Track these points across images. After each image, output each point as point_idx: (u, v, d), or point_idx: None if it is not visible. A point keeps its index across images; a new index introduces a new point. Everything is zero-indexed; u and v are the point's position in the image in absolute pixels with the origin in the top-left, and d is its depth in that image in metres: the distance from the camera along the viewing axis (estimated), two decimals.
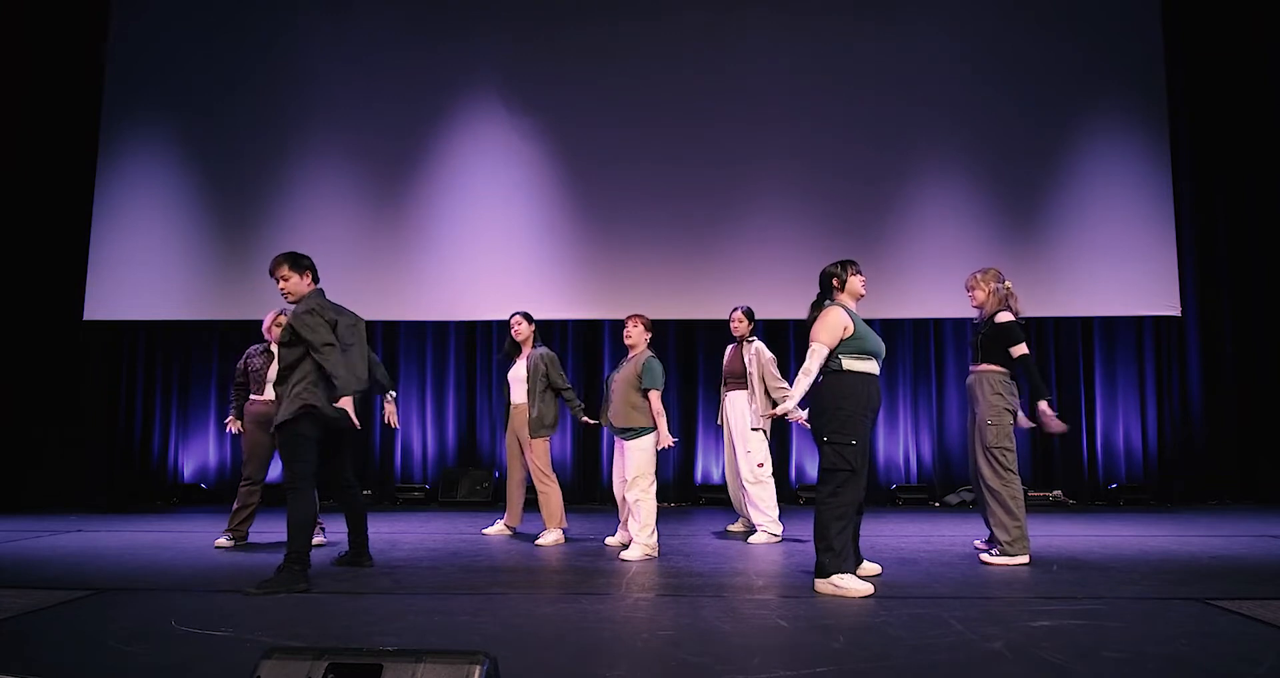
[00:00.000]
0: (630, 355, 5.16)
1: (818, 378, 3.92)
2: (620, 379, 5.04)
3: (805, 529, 6.13)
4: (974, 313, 4.90)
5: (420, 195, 8.40)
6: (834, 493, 3.78)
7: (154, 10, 8.70)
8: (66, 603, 3.52)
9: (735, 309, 5.83)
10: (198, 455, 8.78)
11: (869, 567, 4.16)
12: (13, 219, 8.41)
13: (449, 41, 8.51)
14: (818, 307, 4.07)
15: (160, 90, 8.60)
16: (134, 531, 6.17)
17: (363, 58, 8.52)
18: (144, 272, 8.36)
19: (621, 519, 5.29)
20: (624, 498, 5.09)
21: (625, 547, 5.03)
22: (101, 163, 8.55)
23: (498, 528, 5.93)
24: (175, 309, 8.40)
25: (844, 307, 4.00)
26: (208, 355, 8.83)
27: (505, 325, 8.49)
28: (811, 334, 3.94)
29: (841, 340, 3.89)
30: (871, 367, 3.92)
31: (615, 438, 5.13)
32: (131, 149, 8.57)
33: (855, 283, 4.06)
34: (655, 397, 4.96)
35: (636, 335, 5.15)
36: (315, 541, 5.27)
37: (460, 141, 8.47)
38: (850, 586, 3.68)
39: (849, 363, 3.87)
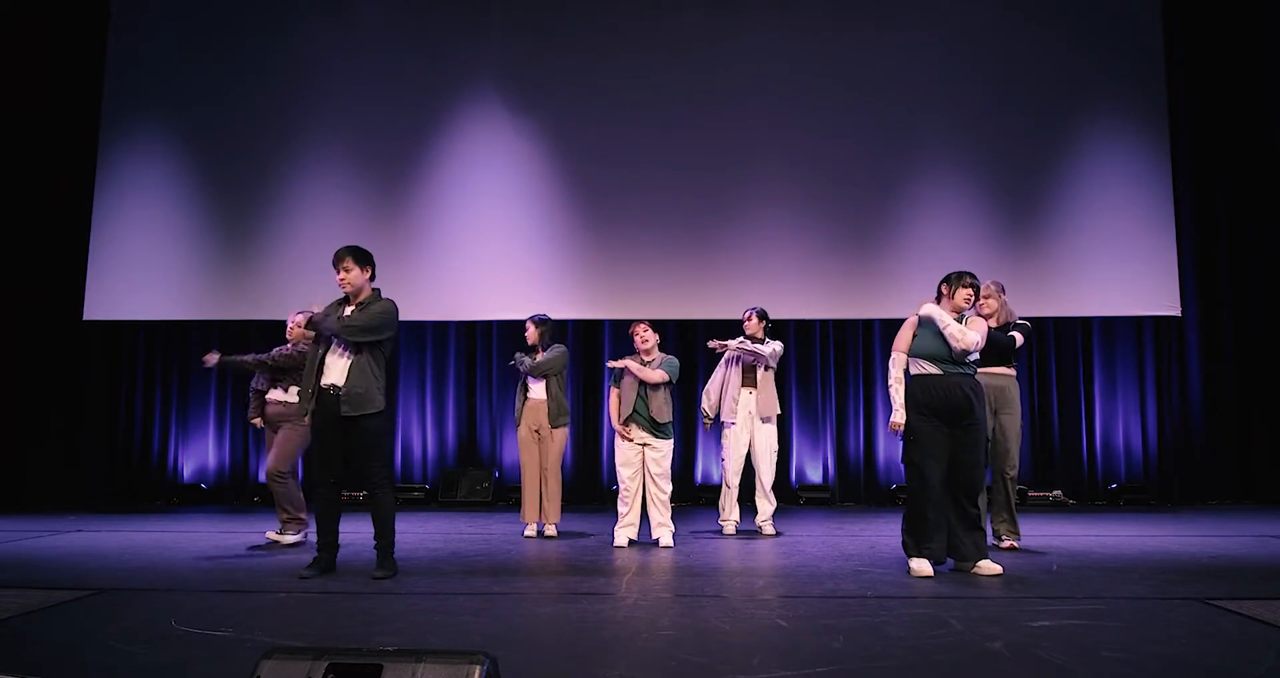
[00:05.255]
0: (649, 358, 5.43)
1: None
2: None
3: (804, 528, 6.15)
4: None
5: (420, 196, 8.39)
6: (906, 484, 4.33)
7: (154, 10, 8.69)
8: (66, 603, 3.52)
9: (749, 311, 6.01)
10: (198, 455, 8.77)
11: (986, 565, 4.20)
12: (13, 219, 8.40)
13: (450, 42, 8.50)
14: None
15: (160, 90, 8.59)
16: (134, 531, 6.17)
17: (363, 57, 8.51)
18: (144, 272, 8.35)
19: (628, 519, 5.34)
20: (652, 493, 5.37)
21: (637, 543, 5.16)
22: (101, 163, 8.54)
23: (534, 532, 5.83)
24: (175, 309, 8.39)
25: (924, 314, 4.32)
26: None
27: (505, 325, 8.59)
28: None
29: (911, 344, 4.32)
30: (926, 367, 4.25)
31: (619, 437, 5.38)
32: (131, 148, 8.56)
33: (959, 296, 4.31)
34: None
35: (653, 340, 5.49)
36: (294, 538, 5.24)
37: (461, 142, 8.47)
38: (913, 566, 4.17)
39: (910, 367, 4.31)
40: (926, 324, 4.31)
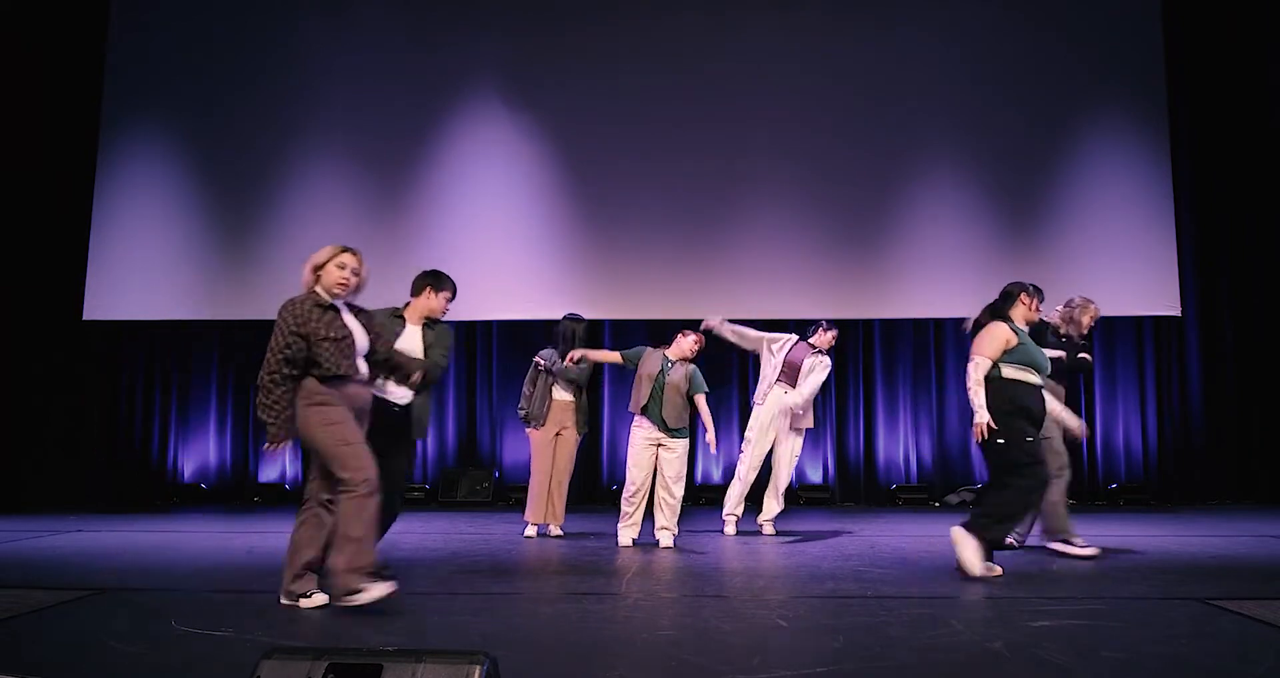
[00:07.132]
0: (675, 360, 5.38)
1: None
2: (670, 384, 5.29)
3: (804, 528, 6.16)
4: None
5: (420, 195, 8.39)
6: (1023, 478, 4.15)
7: (154, 10, 8.69)
8: (66, 603, 3.51)
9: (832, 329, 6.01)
10: (198, 456, 8.77)
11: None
12: (13, 219, 8.39)
13: (449, 41, 8.50)
14: (988, 314, 4.42)
15: (160, 90, 8.58)
16: (134, 531, 6.16)
17: (363, 56, 8.51)
18: (144, 272, 8.35)
19: (632, 519, 5.31)
20: (660, 497, 5.28)
21: (639, 543, 5.26)
22: (101, 163, 8.53)
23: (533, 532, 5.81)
24: (175, 309, 8.38)
25: (1010, 323, 4.32)
26: (208, 355, 8.82)
27: (505, 325, 8.59)
28: (974, 348, 4.31)
29: (1005, 352, 4.28)
30: (1029, 377, 4.24)
31: (633, 432, 5.33)
32: (131, 149, 8.55)
33: (1033, 308, 4.41)
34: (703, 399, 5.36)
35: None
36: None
37: (461, 141, 8.47)
38: (967, 556, 4.04)
39: (1008, 372, 4.23)
40: (1021, 331, 4.33)
